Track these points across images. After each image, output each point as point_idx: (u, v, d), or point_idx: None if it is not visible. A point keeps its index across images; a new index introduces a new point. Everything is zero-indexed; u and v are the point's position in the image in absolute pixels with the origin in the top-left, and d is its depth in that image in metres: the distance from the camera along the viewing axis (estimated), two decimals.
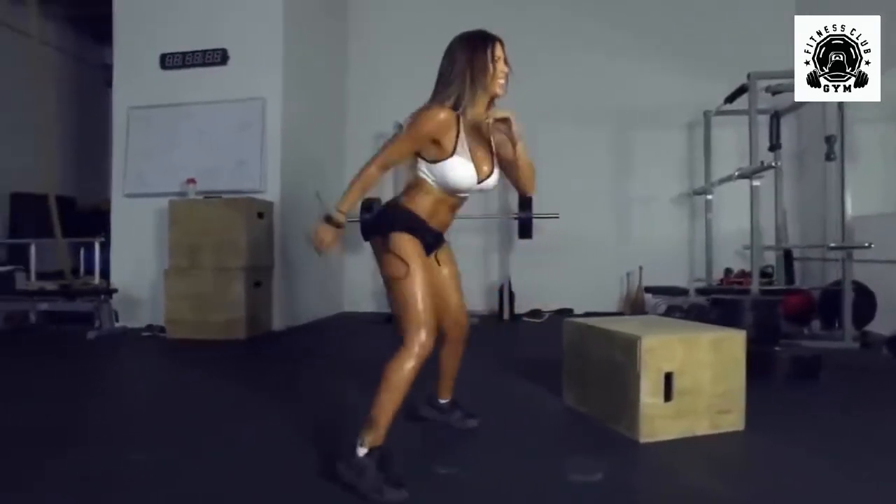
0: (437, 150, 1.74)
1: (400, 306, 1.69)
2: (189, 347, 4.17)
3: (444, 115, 1.70)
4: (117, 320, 4.78)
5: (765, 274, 5.34)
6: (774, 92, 4.44)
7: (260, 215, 4.66)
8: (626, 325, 2.26)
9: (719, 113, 4.93)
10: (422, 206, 1.80)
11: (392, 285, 1.73)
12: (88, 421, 2.41)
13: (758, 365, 3.02)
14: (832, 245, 3.82)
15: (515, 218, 5.50)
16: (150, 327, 4.69)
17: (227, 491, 1.67)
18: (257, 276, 4.59)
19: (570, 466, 1.79)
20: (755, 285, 3.84)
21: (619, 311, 5.75)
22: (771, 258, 5.27)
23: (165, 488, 1.68)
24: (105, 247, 5.10)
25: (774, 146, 4.53)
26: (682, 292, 4.40)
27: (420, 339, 1.62)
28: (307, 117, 5.43)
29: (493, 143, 1.87)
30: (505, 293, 5.39)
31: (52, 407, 2.58)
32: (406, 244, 1.73)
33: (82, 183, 7.35)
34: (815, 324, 4.47)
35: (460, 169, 1.75)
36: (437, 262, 1.97)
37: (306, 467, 1.79)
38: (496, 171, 1.87)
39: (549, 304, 5.88)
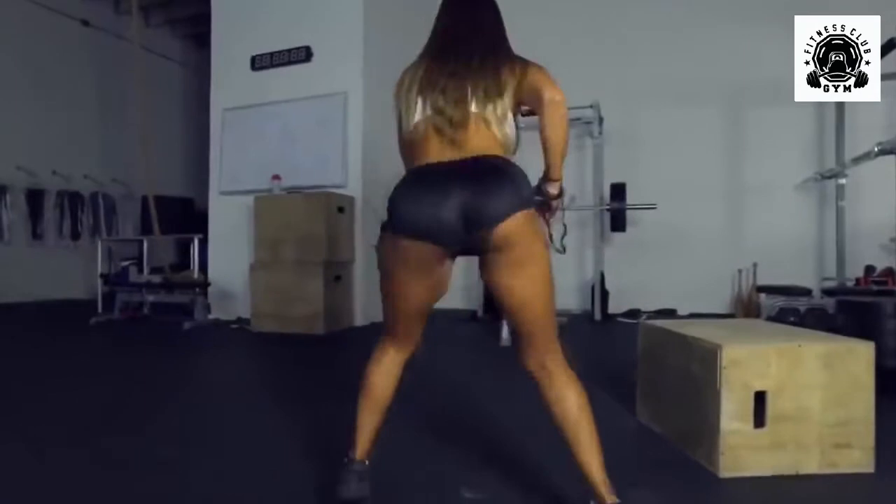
0: None
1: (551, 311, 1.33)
2: (269, 340, 4.25)
3: None
4: (210, 312, 5.01)
5: None
6: None
7: (340, 210, 4.65)
8: (711, 330, 1.85)
9: None
10: None
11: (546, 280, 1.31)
12: (142, 407, 2.44)
13: None
14: None
15: (607, 209, 5.03)
16: (239, 320, 4.86)
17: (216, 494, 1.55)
18: (337, 271, 4.58)
19: (625, 502, 1.45)
20: None
21: (730, 313, 5.07)
22: None
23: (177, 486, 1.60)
24: (204, 243, 5.40)
25: None
26: (805, 293, 3.73)
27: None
28: (389, 111, 5.34)
29: None
30: (596, 291, 4.94)
31: (114, 390, 2.70)
32: None
33: (202, 184, 7.93)
34: None
35: None
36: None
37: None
38: None
39: (650, 305, 5.34)
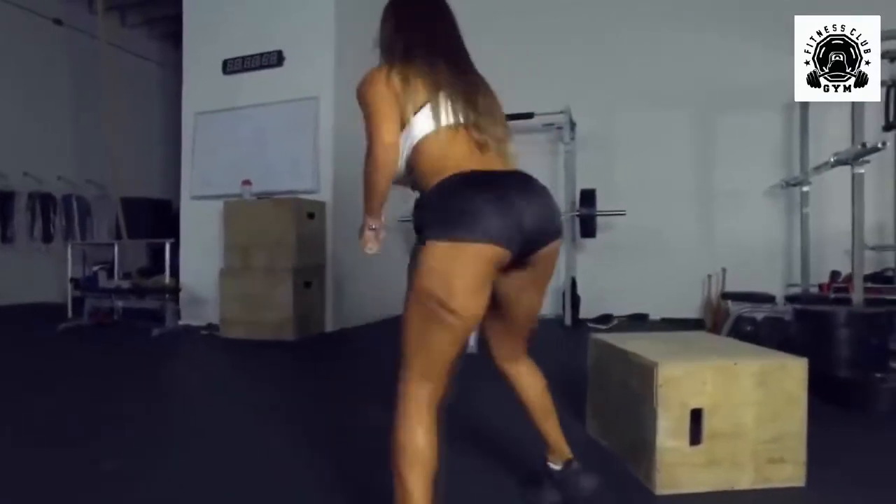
0: None
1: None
2: (239, 347, 4.23)
3: None
4: (180, 318, 4.97)
5: (884, 278, 4.52)
6: (893, 58, 3.69)
7: (311, 216, 4.63)
8: (651, 346, 1.86)
9: None
10: None
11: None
12: (93, 417, 2.41)
13: (851, 397, 2.49)
14: None
15: (577, 215, 5.05)
16: (209, 326, 4.82)
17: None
18: (308, 277, 4.56)
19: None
20: (859, 294, 3.18)
21: (700, 318, 5.11)
22: (892, 259, 4.43)
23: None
24: (176, 247, 5.35)
25: (892, 124, 3.76)
26: (768, 299, 3.77)
27: None
28: (360, 117, 5.33)
29: None
30: (567, 296, 4.96)
31: (70, 399, 2.67)
32: None
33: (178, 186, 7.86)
34: None
35: None
36: None
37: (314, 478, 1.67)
38: None
39: (623, 309, 5.38)
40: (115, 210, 6.54)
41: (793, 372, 1.68)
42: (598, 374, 2.09)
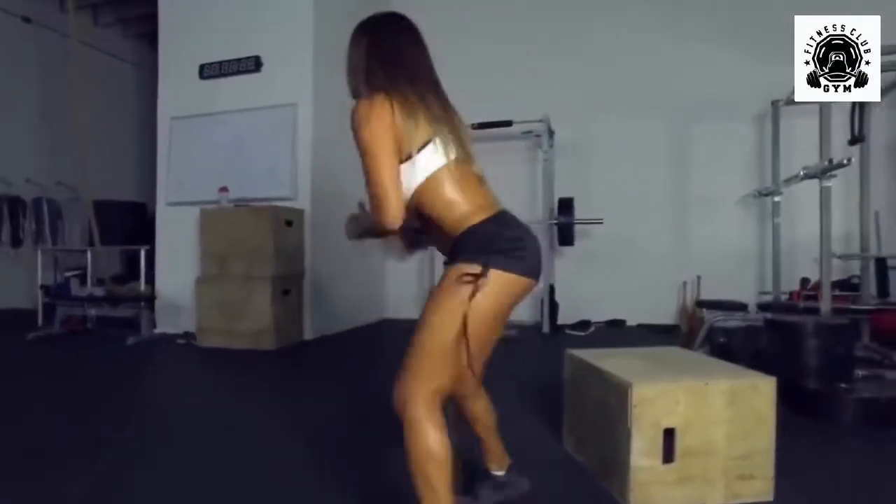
0: None
1: None
2: (216, 356, 4.19)
3: None
4: (156, 326, 4.89)
5: (850, 286, 4.65)
6: None
7: (289, 223, 4.60)
8: (626, 364, 1.90)
9: (790, 103, 4.29)
10: None
11: None
12: (68, 436, 2.36)
13: (818, 407, 2.57)
14: None
15: (554, 223, 5.10)
16: (185, 334, 4.76)
17: None
18: (286, 285, 4.53)
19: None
20: (826, 303, 3.28)
21: (676, 324, 5.21)
22: (858, 267, 4.56)
23: None
24: (151, 253, 5.26)
25: (856, 139, 3.87)
26: (740, 307, 3.87)
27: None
28: (340, 123, 5.29)
29: None
30: (545, 303, 5.01)
31: (39, 415, 2.60)
32: None
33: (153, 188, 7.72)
34: None
35: None
36: None
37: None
38: None
39: (600, 315, 5.45)
40: (88, 214, 6.42)
41: (762, 390, 1.73)
42: (574, 390, 2.12)
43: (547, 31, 5.67)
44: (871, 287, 4.35)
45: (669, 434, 1.68)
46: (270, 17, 4.94)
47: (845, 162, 2.93)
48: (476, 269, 1.23)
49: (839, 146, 3.77)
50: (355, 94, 1.39)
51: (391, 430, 1.34)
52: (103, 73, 7.85)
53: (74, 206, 7.55)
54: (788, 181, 3.93)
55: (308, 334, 4.78)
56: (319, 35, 4.92)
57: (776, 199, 4.66)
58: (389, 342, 4.68)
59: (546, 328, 4.94)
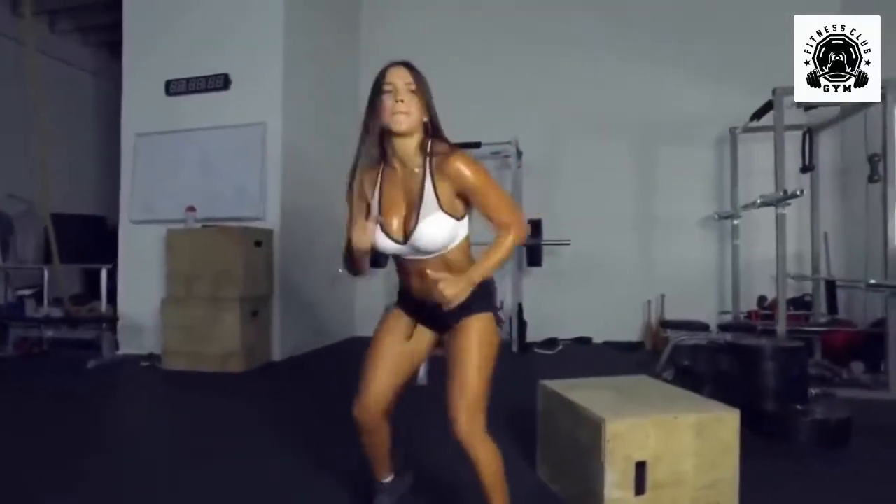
0: None
1: None
2: (181, 380, 4.10)
3: (350, 174, 1.55)
4: (118, 348, 4.76)
5: (803, 303, 4.88)
6: (808, 107, 4.02)
7: (258, 244, 4.55)
8: (597, 397, 1.96)
9: (747, 130, 4.51)
10: (399, 275, 1.67)
11: None
12: (20, 482, 2.28)
13: (776, 429, 2.69)
14: (872, 283, 3.38)
15: (522, 244, 5.19)
16: (150, 356, 4.64)
17: None
18: (254, 306, 4.47)
19: None
20: (782, 326, 3.45)
21: (641, 341, 5.36)
22: (810, 286, 4.80)
23: None
24: (113, 272, 5.12)
25: (807, 167, 4.09)
26: (703, 327, 4.02)
27: (355, 408, 1.62)
28: (311, 141, 5.30)
29: (425, 192, 1.48)
30: (514, 323, 5.08)
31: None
32: (382, 319, 1.71)
33: (116, 200, 7.47)
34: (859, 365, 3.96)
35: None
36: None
37: None
38: (425, 226, 1.47)
39: (567, 333, 5.56)
40: (43, 228, 6.17)
41: (727, 423, 1.82)
42: (548, 422, 2.18)
43: (515, 55, 5.79)
44: (822, 305, 4.58)
45: (641, 466, 1.74)
46: (239, 34, 4.91)
47: (798, 193, 3.10)
48: (492, 318, 1.54)
49: (792, 172, 3.99)
50: (417, 128, 1.48)
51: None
52: (59, 81, 7.59)
53: (27, 219, 7.27)
54: (747, 207, 4.12)
55: (277, 355, 4.73)
56: (289, 53, 4.91)
57: (735, 222, 4.87)
58: (359, 360, 4.65)
59: (515, 347, 5.01)
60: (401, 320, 1.64)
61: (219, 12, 4.97)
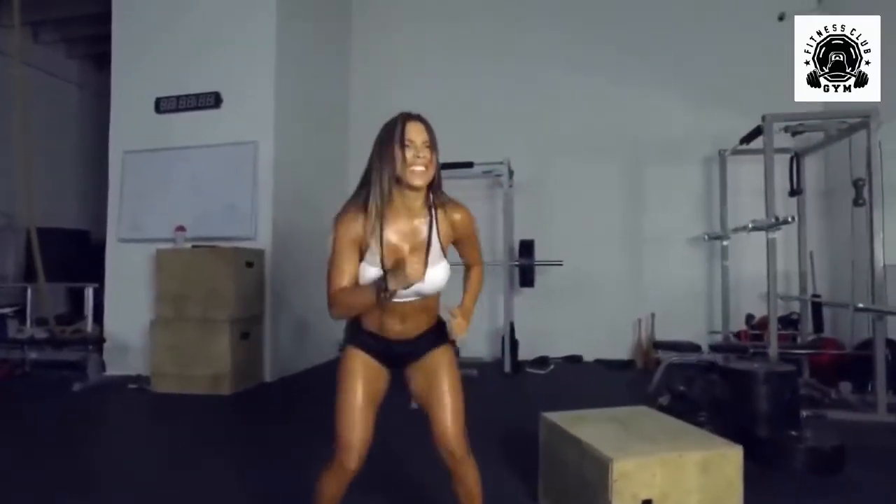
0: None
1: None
2: (170, 403, 4.03)
3: (345, 215, 1.55)
4: (105, 370, 4.67)
5: (789, 321, 4.95)
6: (795, 132, 4.12)
7: (249, 265, 4.51)
8: (601, 432, 1.97)
9: (736, 152, 4.59)
10: (369, 315, 1.63)
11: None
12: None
13: (771, 454, 2.71)
14: (859, 306, 3.44)
15: (516, 265, 5.22)
16: (138, 378, 4.55)
17: None
18: (245, 328, 4.43)
19: None
20: (774, 349, 3.49)
21: (631, 359, 5.40)
22: (797, 305, 4.87)
23: None
24: (99, 292, 5.03)
25: (795, 191, 4.18)
26: (694, 348, 4.07)
27: (339, 458, 1.56)
28: (303, 160, 5.27)
29: (433, 240, 1.59)
30: (506, 342, 5.08)
31: None
32: (345, 361, 1.65)
33: (103, 214, 7.32)
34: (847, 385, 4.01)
35: (368, 275, 1.53)
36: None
37: None
38: (434, 272, 1.55)
39: (558, 351, 5.58)
40: (25, 243, 6.02)
41: (731, 459, 1.84)
42: (551, 454, 2.17)
43: (505, 76, 5.84)
44: (809, 324, 4.66)
45: None
46: (231, 52, 4.89)
47: (790, 220, 3.16)
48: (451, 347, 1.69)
49: (779, 194, 4.05)
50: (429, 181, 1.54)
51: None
52: (43, 93, 7.47)
53: (7, 234, 7.11)
54: (737, 230, 4.19)
55: (268, 376, 4.68)
56: (281, 72, 4.90)
57: (724, 243, 4.94)
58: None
59: (507, 367, 5.00)
60: (366, 362, 1.64)
61: (209, 30, 4.95)
